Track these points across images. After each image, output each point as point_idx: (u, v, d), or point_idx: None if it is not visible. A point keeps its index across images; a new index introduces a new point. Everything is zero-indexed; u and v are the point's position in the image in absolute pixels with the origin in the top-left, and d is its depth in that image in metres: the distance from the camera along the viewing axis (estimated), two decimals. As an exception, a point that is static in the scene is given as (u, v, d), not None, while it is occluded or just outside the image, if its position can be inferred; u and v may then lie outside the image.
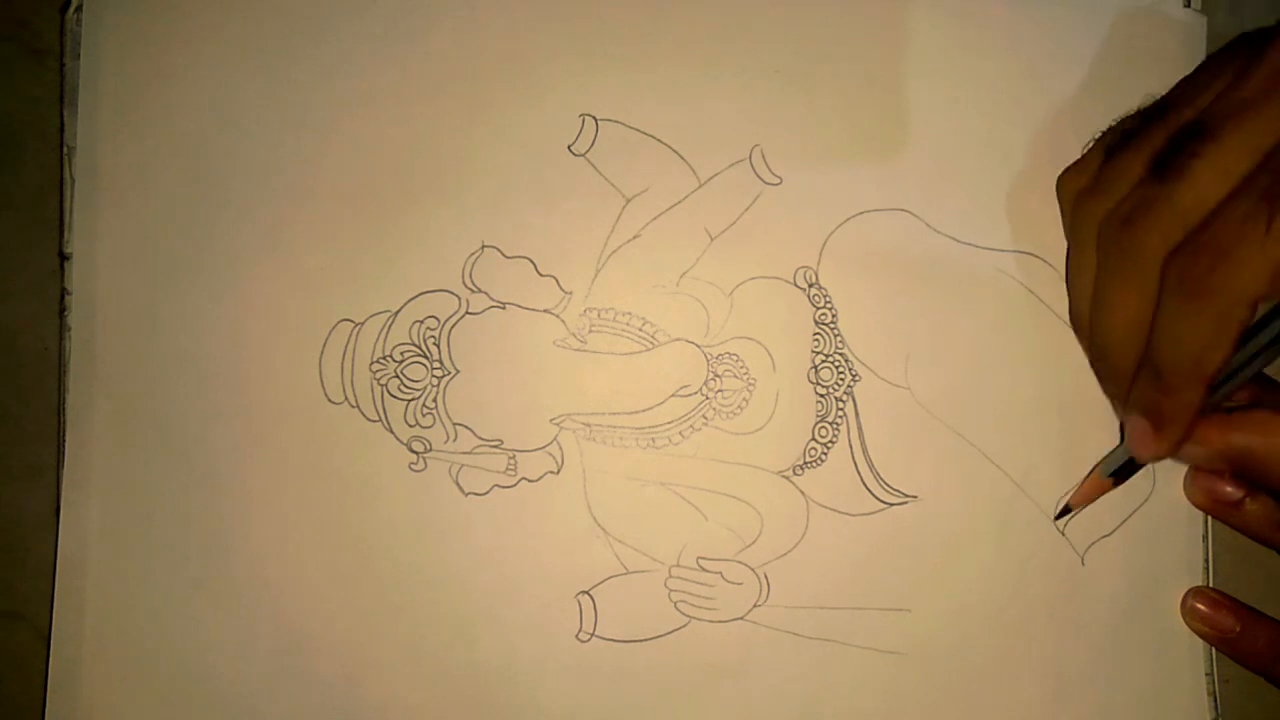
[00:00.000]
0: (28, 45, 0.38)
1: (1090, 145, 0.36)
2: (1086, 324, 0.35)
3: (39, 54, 0.38)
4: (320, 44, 0.37)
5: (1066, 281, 0.36)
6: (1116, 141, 0.35)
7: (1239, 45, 0.33)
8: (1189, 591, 0.37)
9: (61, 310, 0.37)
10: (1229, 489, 0.36)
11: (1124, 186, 0.33)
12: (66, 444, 0.37)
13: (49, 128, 0.38)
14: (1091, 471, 0.37)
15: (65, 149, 0.37)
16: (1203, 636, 0.37)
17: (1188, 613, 0.37)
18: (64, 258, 0.37)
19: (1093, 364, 0.36)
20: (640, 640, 0.37)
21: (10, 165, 0.38)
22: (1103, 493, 0.37)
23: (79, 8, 0.37)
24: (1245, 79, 0.31)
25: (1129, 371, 0.33)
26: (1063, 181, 0.36)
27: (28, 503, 0.37)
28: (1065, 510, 0.37)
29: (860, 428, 0.38)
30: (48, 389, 0.37)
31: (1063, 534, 0.37)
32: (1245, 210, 0.30)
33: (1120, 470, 0.36)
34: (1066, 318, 0.37)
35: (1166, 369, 0.32)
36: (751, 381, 0.37)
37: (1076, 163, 0.36)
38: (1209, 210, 0.31)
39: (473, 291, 0.37)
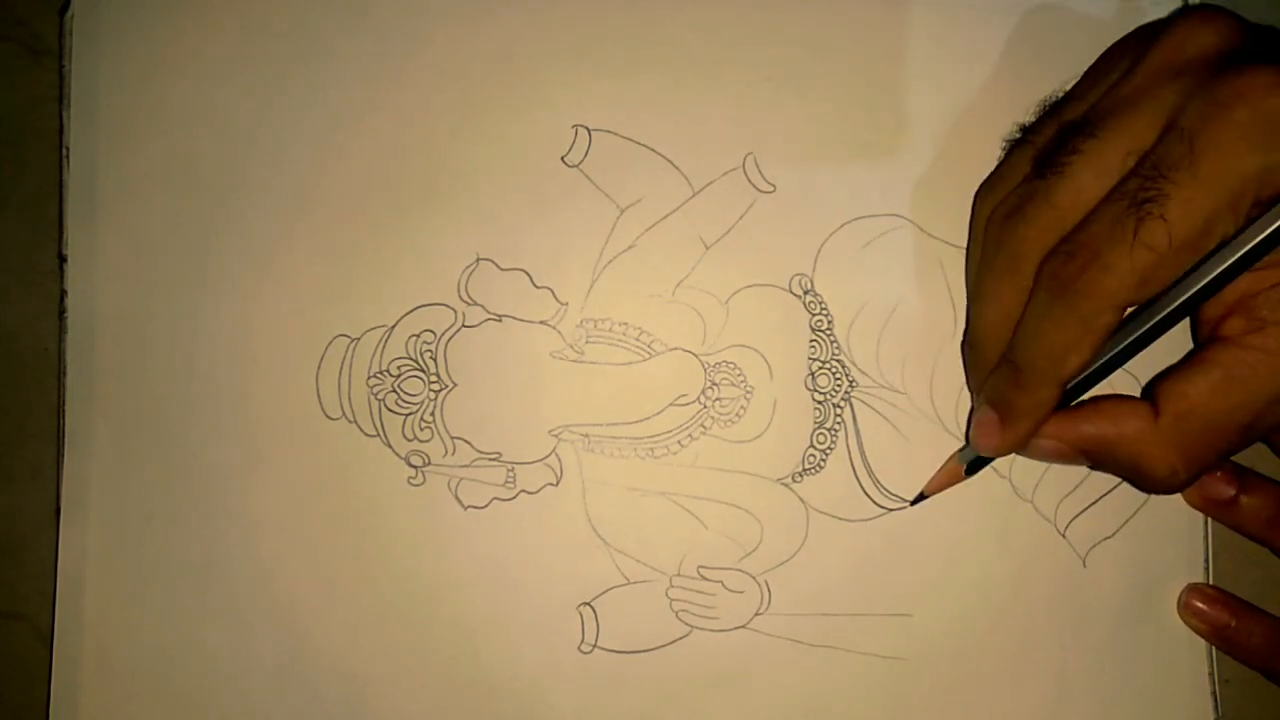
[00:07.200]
0: (28, 45, 0.38)
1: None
2: (968, 308, 0.35)
3: (39, 54, 0.38)
4: (315, 55, 0.37)
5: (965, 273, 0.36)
6: (1014, 137, 0.35)
7: (1136, 36, 0.33)
8: (1185, 588, 0.37)
9: (61, 311, 0.37)
10: (1223, 487, 0.36)
11: (1013, 181, 0.33)
12: (66, 444, 0.37)
13: (49, 128, 0.38)
14: (948, 461, 0.37)
15: (64, 150, 0.37)
16: (1199, 633, 0.37)
17: (1184, 609, 0.37)
18: (63, 259, 0.37)
19: (963, 353, 0.36)
20: (642, 651, 0.37)
21: (10, 165, 0.38)
22: (954, 482, 0.37)
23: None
24: (1131, 75, 0.31)
25: (992, 364, 0.34)
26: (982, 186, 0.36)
27: (28, 503, 0.37)
28: (921, 497, 0.37)
29: (858, 433, 0.38)
30: (48, 389, 0.37)
31: (1063, 536, 0.38)
32: (1115, 214, 0.30)
33: (972, 463, 0.36)
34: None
35: (1024, 365, 0.32)
36: (749, 389, 0.37)
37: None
38: (1087, 209, 0.30)
39: (468, 304, 0.37)
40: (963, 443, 0.37)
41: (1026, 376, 0.32)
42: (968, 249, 0.36)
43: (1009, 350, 0.33)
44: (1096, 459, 0.33)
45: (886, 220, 0.38)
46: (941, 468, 0.37)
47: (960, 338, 0.37)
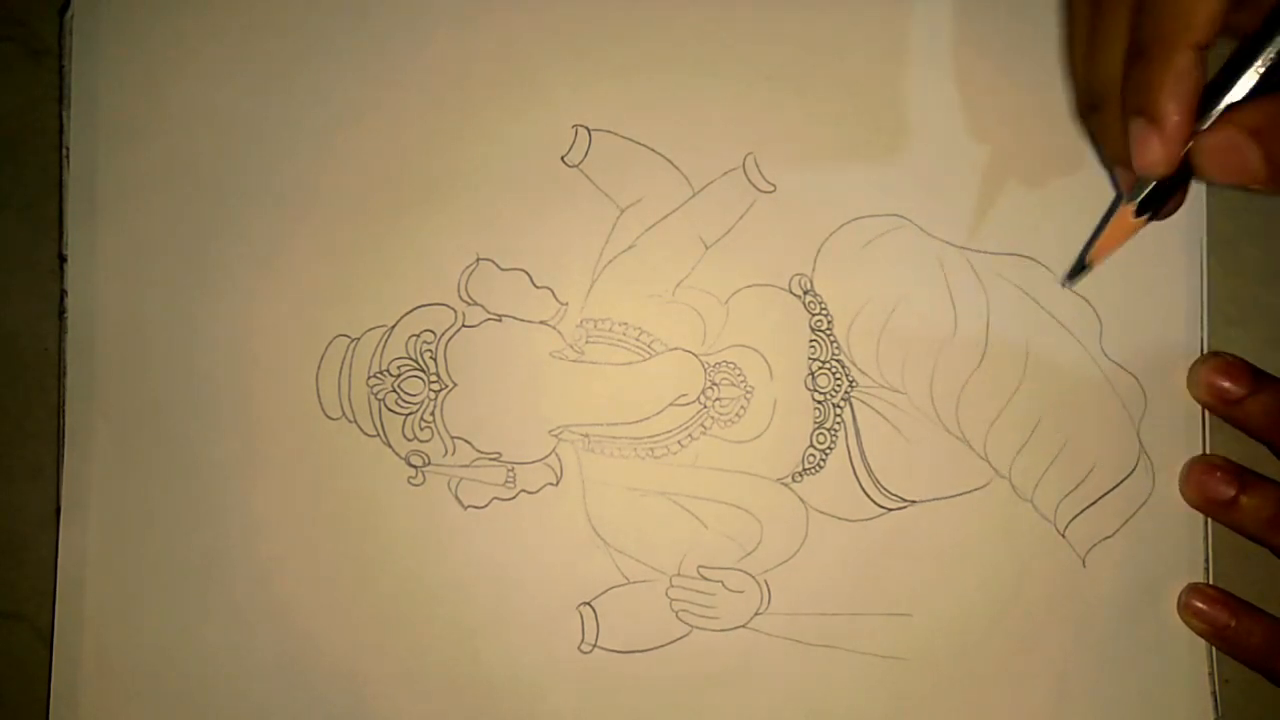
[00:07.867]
0: (27, 45, 0.38)
1: None
2: (1082, 71, 0.33)
3: (39, 54, 0.38)
4: (315, 55, 0.37)
5: (1066, 41, 0.34)
6: None
7: None
8: (1186, 588, 0.37)
9: (61, 311, 0.37)
10: (1223, 487, 0.37)
11: None
12: (66, 444, 0.37)
13: (49, 128, 0.38)
14: (1113, 216, 0.34)
15: (64, 150, 0.37)
16: (1199, 633, 0.37)
17: (1184, 609, 0.37)
18: (63, 259, 0.37)
19: (1084, 128, 0.34)
20: (642, 650, 0.37)
21: (10, 165, 0.38)
22: (1128, 233, 0.33)
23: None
24: None
25: (1119, 111, 0.31)
26: None
27: (28, 503, 0.38)
28: (1081, 268, 0.34)
29: (858, 433, 0.38)
30: (48, 389, 0.37)
31: (1063, 536, 0.38)
32: None
33: (1143, 201, 0.32)
34: (1063, 320, 0.38)
35: (1151, 39, 0.30)
36: (749, 389, 0.37)
37: None
38: None
39: (469, 304, 0.37)
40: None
41: (1157, 49, 0.30)
42: (1068, 26, 0.34)
43: (1133, 44, 0.30)
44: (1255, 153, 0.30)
45: (886, 220, 0.38)
46: (1108, 225, 0.34)
47: (958, 334, 0.37)
